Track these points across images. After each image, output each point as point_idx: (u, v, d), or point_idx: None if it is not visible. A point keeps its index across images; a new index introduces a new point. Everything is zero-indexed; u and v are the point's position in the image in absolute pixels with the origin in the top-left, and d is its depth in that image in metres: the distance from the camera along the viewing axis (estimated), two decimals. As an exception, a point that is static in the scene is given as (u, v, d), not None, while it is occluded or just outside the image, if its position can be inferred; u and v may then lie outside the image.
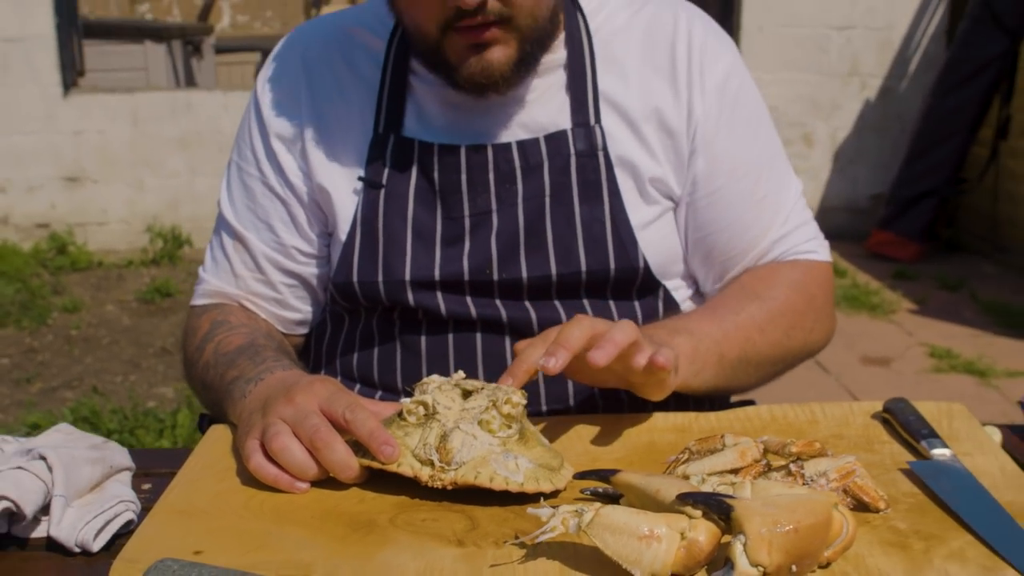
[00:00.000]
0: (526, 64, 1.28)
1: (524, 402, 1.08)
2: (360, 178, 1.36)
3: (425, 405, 1.07)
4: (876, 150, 6.94)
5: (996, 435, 1.25)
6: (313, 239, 1.42)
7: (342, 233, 1.37)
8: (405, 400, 1.08)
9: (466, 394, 1.09)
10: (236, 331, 1.35)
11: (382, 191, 1.35)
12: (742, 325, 1.33)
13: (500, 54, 1.25)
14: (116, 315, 5.41)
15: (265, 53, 9.19)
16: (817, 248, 1.46)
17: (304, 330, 1.49)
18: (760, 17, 6.77)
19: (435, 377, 1.12)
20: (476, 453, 1.02)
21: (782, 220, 1.42)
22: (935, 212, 6.41)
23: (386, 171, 1.35)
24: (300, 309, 1.46)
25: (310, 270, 1.43)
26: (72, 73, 6.51)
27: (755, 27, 6.77)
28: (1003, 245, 6.56)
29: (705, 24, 1.44)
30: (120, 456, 1.16)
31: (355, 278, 1.36)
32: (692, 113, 1.37)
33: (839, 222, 6.98)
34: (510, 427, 1.06)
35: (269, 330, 1.42)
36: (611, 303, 1.38)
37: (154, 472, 1.20)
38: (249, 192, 1.43)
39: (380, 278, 1.35)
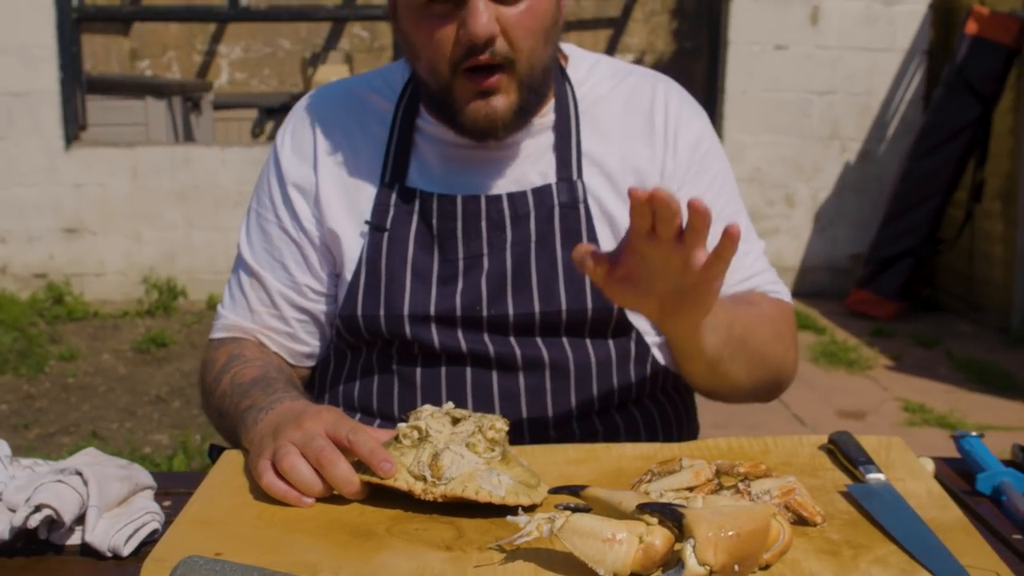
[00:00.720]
0: (524, 112, 1.45)
1: (506, 428, 1.22)
2: (366, 222, 1.52)
3: (419, 429, 1.21)
4: (855, 211, 7.14)
5: (929, 465, 1.40)
6: (323, 278, 1.57)
7: (348, 272, 1.52)
8: (401, 425, 1.23)
9: (455, 421, 1.23)
10: (251, 364, 1.49)
11: (385, 234, 1.51)
12: (744, 311, 1.47)
13: (502, 102, 1.42)
14: (112, 364, 5.53)
15: (262, 109, 9.42)
16: (782, 290, 1.61)
17: (311, 363, 1.63)
18: (743, 82, 7.00)
19: (428, 407, 1.26)
20: (464, 470, 1.17)
21: (748, 265, 1.57)
22: (912, 272, 6.59)
23: (390, 217, 1.51)
24: (309, 343, 1.60)
25: (319, 307, 1.58)
26: (74, 127, 6.69)
27: (739, 91, 7.00)
28: (979, 304, 6.74)
29: (680, 95, 1.61)
30: (144, 476, 1.29)
31: (359, 311, 1.51)
32: (665, 169, 1.54)
33: (820, 281, 7.17)
34: (493, 450, 1.20)
35: (280, 364, 1.56)
36: (587, 342, 1.52)
37: (173, 492, 1.32)
38: (267, 235, 1.58)
39: (382, 312, 1.49)
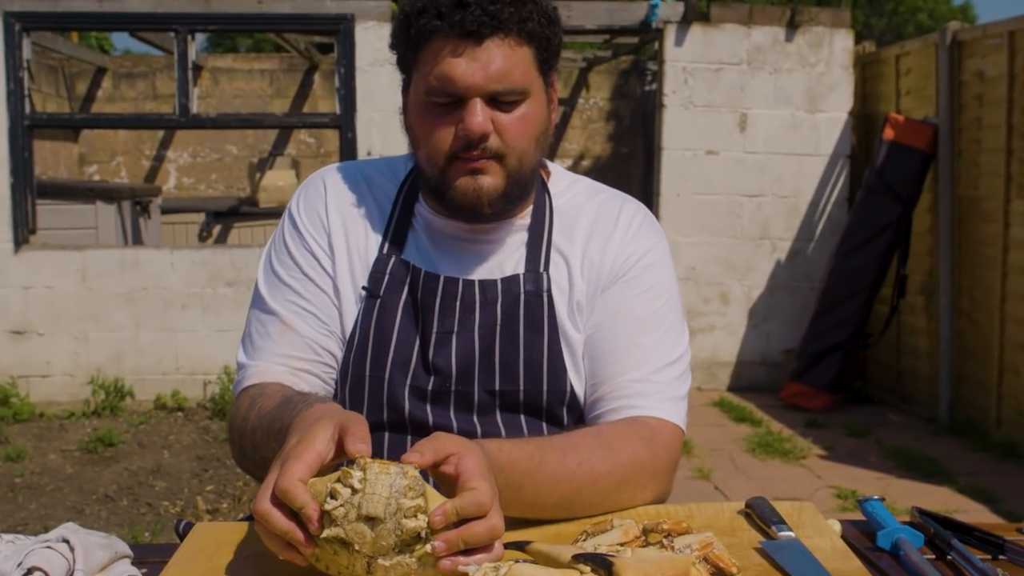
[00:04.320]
0: (508, 198, 1.62)
1: (419, 485, 1.22)
2: (363, 287, 1.67)
3: (352, 488, 1.22)
4: (787, 307, 7.41)
5: (836, 525, 1.56)
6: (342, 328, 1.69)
7: (344, 332, 1.67)
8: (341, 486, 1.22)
9: (369, 520, 1.22)
10: (272, 397, 1.57)
11: (378, 301, 1.66)
12: (576, 477, 1.51)
13: (489, 182, 1.59)
14: (59, 464, 5.54)
15: (210, 213, 9.56)
16: (674, 413, 1.66)
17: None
18: (677, 185, 7.30)
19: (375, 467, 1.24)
20: (400, 572, 1.22)
21: (649, 369, 1.66)
22: (842, 365, 6.83)
23: (384, 284, 1.66)
24: (331, 384, 1.71)
25: (340, 354, 1.69)
26: (24, 231, 6.78)
27: (673, 194, 7.30)
28: (906, 395, 6.99)
29: (646, 214, 1.79)
30: (122, 545, 1.40)
31: (350, 368, 1.65)
32: (614, 263, 1.70)
33: (755, 375, 7.39)
34: (420, 536, 1.21)
35: (298, 392, 1.61)
36: (544, 424, 1.67)
37: (148, 561, 1.43)
38: (292, 290, 1.69)
39: (368, 372, 1.64)
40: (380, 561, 1.23)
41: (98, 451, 5.73)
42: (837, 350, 6.80)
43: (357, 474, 1.22)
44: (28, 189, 6.81)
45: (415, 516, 1.21)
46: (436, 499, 1.24)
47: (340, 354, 1.69)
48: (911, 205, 6.70)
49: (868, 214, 6.74)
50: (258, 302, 1.72)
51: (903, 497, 4.78)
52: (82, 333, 6.82)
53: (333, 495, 1.21)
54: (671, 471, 1.65)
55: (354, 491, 1.21)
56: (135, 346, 6.85)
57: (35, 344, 6.80)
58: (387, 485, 1.21)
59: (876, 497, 1.63)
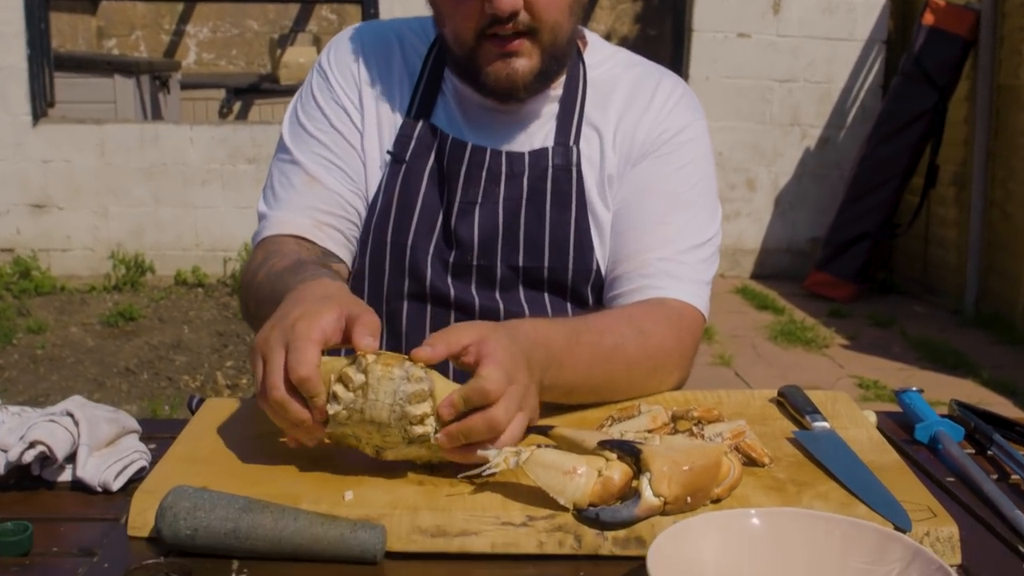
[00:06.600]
0: (545, 76, 1.53)
1: (424, 390, 1.15)
2: (388, 152, 1.60)
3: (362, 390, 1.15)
4: (815, 196, 7.28)
5: (872, 417, 1.49)
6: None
7: (367, 196, 1.61)
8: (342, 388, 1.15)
9: (374, 423, 1.16)
10: (286, 257, 1.51)
11: (404, 166, 1.59)
12: (612, 359, 1.42)
13: (524, 64, 1.49)
14: (80, 337, 5.56)
15: (230, 90, 9.42)
16: (697, 297, 1.59)
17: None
18: (707, 69, 7.11)
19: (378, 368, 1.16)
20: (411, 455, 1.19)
21: (675, 249, 1.58)
22: (869, 255, 6.74)
23: (410, 149, 1.59)
24: (354, 244, 1.64)
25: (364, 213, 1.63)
26: (42, 103, 6.69)
27: (702, 78, 7.11)
28: (933, 287, 6.90)
29: (685, 89, 1.69)
30: (130, 420, 1.36)
31: (371, 236, 1.59)
32: (645, 137, 1.62)
33: (779, 263, 7.30)
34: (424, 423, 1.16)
35: (316, 256, 1.56)
36: (568, 305, 1.61)
37: (157, 436, 1.39)
38: (320, 143, 1.62)
39: (389, 238, 1.58)
40: (389, 452, 1.19)
41: (119, 325, 5.74)
42: (864, 240, 6.69)
43: (359, 377, 1.15)
44: (45, 61, 6.69)
45: (421, 423, 1.16)
46: (446, 389, 1.17)
47: (362, 208, 1.63)
48: (948, 93, 6.50)
49: (903, 101, 6.55)
50: (282, 153, 1.65)
51: (926, 388, 4.68)
52: (102, 208, 6.77)
53: (336, 398, 1.15)
54: (693, 357, 1.60)
55: (356, 396, 1.15)
56: (155, 222, 6.81)
57: (55, 218, 6.76)
58: (390, 392, 1.15)
59: (914, 388, 1.56)
